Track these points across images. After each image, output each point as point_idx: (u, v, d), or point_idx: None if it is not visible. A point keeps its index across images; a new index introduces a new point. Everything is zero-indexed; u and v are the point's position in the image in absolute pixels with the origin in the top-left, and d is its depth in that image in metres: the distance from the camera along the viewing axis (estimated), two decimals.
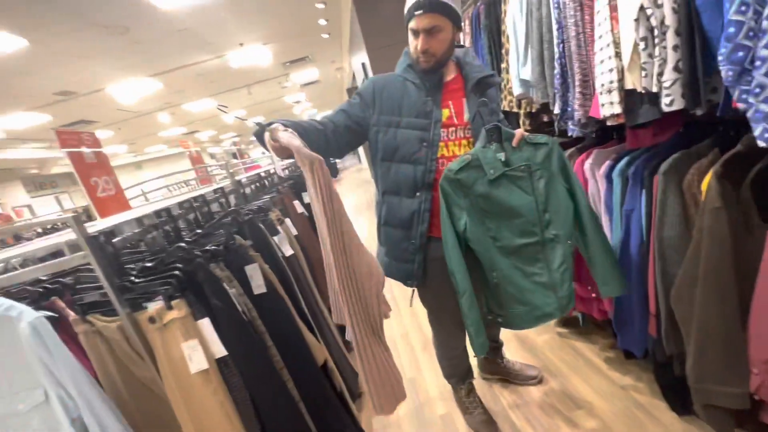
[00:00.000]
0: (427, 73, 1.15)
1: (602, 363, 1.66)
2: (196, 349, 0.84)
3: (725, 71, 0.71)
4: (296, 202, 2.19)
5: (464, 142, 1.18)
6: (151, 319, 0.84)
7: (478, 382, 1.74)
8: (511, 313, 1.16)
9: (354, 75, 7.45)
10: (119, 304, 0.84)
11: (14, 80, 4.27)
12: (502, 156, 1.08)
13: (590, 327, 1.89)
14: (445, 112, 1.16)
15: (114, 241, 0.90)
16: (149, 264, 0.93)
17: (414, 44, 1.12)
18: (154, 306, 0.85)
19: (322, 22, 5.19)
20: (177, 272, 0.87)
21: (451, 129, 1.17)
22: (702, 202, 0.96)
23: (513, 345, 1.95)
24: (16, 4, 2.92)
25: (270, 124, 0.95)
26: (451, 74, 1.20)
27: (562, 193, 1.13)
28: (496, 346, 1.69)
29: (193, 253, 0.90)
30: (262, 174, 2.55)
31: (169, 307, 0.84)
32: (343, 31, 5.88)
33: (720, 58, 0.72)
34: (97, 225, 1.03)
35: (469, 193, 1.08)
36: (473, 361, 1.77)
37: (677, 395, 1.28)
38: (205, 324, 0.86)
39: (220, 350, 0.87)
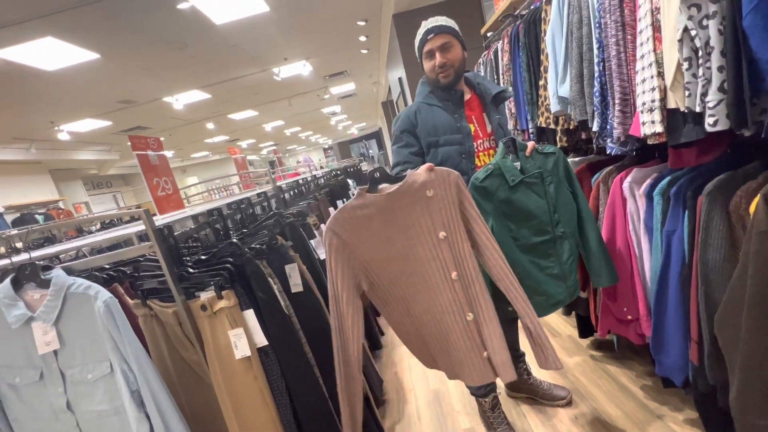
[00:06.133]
0: (448, 93, 1.30)
1: (638, 390, 1.58)
2: (241, 337, 0.91)
3: None
4: (331, 209, 2.29)
5: (491, 152, 1.33)
6: (203, 307, 0.93)
7: (504, 400, 1.71)
8: (530, 303, 1.25)
9: (390, 89, 7.63)
10: (176, 291, 0.93)
11: (85, 89, 4.75)
12: (518, 165, 1.21)
13: (625, 352, 1.82)
14: (470, 127, 1.31)
15: (175, 234, 1.00)
16: (204, 257, 1.02)
17: (431, 64, 1.28)
18: (206, 295, 0.93)
19: (362, 38, 5.40)
20: (228, 265, 0.96)
21: (479, 141, 1.32)
22: (749, 224, 0.93)
23: None
24: (92, 22, 3.28)
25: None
26: (467, 94, 1.35)
27: (567, 196, 1.27)
28: (516, 355, 1.66)
29: (243, 249, 0.99)
30: (300, 181, 2.67)
31: (220, 297, 0.92)
32: (381, 46, 6.07)
33: None
34: (159, 220, 1.14)
35: (493, 199, 1.19)
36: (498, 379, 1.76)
37: (720, 428, 1.21)
38: (250, 314, 0.94)
39: (262, 340, 0.94)
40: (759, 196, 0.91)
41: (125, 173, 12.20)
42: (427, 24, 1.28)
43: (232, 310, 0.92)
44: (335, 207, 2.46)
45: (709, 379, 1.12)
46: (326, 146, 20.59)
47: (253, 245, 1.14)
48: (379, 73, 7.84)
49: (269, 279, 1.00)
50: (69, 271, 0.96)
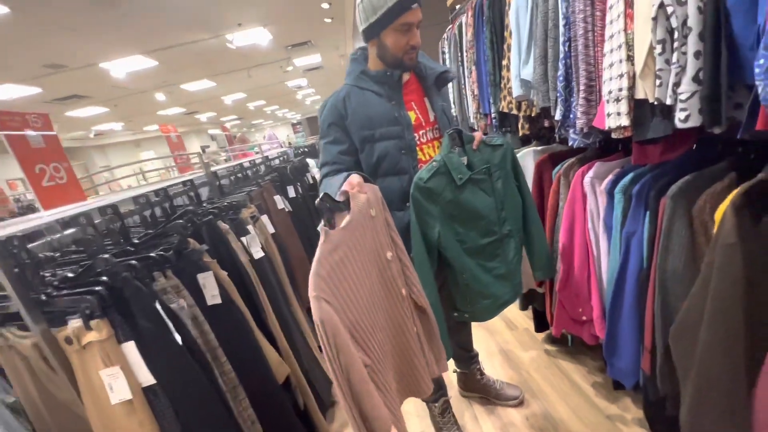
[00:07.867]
0: (385, 75, 1.08)
1: (589, 388, 1.56)
2: (117, 377, 0.72)
3: (762, 86, 0.58)
4: (277, 197, 2.06)
5: (436, 143, 1.15)
6: (68, 340, 0.73)
7: (457, 400, 1.65)
8: (478, 307, 1.19)
9: None
10: (32, 320, 0.72)
11: None
12: (464, 160, 1.09)
13: (579, 347, 1.79)
14: (411, 115, 1.11)
15: (32, 246, 0.77)
16: (71, 274, 0.81)
17: (405, 40, 1.05)
18: (72, 324, 0.73)
19: (325, 5, 4.98)
20: (100, 288, 0.75)
21: (421, 132, 1.13)
22: (714, 234, 0.83)
23: (497, 360, 1.85)
24: None
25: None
26: (405, 75, 1.13)
27: (514, 191, 1.19)
28: (469, 356, 1.58)
29: (118, 266, 0.78)
30: (246, 164, 2.40)
31: (88, 328, 0.72)
32: (347, 16, 5.66)
33: (757, 70, 0.59)
34: (28, 221, 0.90)
35: (439, 200, 1.06)
36: (453, 377, 1.68)
37: None
38: (131, 348, 0.75)
39: (147, 378, 0.76)
40: (728, 205, 0.81)
41: (70, 146, 11.09)
42: None
43: (105, 344, 0.73)
44: (285, 195, 2.24)
45: (660, 388, 1.07)
46: (295, 121, 19.74)
47: (153, 253, 0.93)
48: (345, 45, 7.40)
49: (156, 301, 0.80)
50: None
